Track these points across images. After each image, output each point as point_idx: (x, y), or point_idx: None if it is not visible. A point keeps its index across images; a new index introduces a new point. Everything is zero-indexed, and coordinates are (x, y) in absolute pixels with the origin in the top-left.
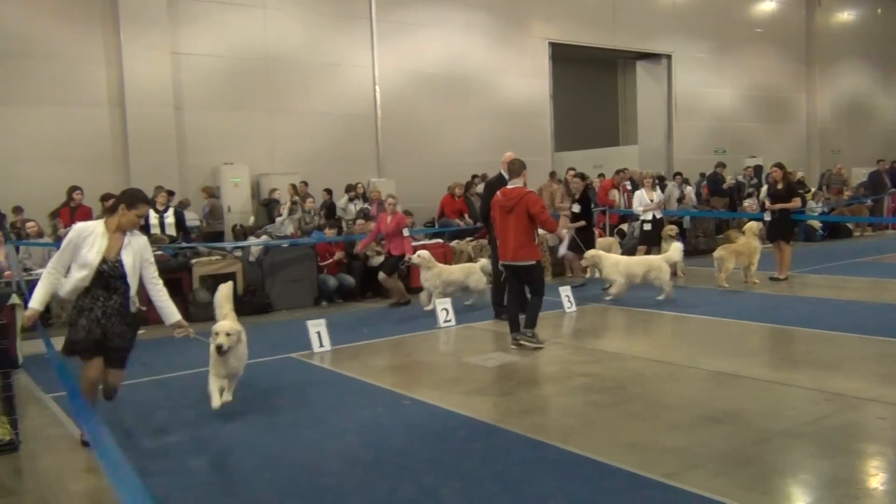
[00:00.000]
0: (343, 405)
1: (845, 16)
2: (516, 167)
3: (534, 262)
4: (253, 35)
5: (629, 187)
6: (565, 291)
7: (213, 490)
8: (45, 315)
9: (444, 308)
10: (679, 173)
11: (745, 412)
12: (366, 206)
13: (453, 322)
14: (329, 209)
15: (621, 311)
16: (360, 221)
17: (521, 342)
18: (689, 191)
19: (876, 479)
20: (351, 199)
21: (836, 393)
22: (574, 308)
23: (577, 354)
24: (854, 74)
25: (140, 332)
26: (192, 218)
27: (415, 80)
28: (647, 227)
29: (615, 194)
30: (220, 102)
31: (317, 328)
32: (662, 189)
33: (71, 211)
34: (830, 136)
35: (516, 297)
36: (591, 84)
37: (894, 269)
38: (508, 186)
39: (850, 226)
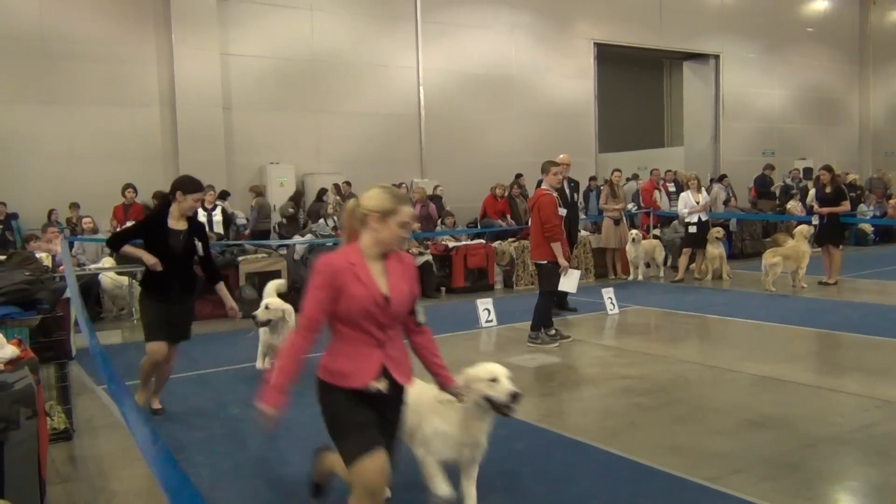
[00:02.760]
0: None
1: None
2: (543, 168)
3: (544, 262)
4: (300, 36)
5: (672, 189)
6: (608, 293)
7: (257, 484)
8: (97, 309)
9: (485, 308)
10: (724, 175)
11: (790, 417)
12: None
13: (495, 322)
14: None
15: (664, 314)
16: None
17: (528, 343)
18: (717, 189)
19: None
20: None
21: (885, 400)
22: (617, 310)
23: (620, 356)
24: None
25: None
26: (239, 216)
27: (459, 81)
28: (693, 229)
29: (658, 195)
30: (267, 103)
31: None
32: (708, 191)
33: (125, 208)
34: (884, 138)
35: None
36: (637, 85)
37: None
38: (539, 187)
39: None
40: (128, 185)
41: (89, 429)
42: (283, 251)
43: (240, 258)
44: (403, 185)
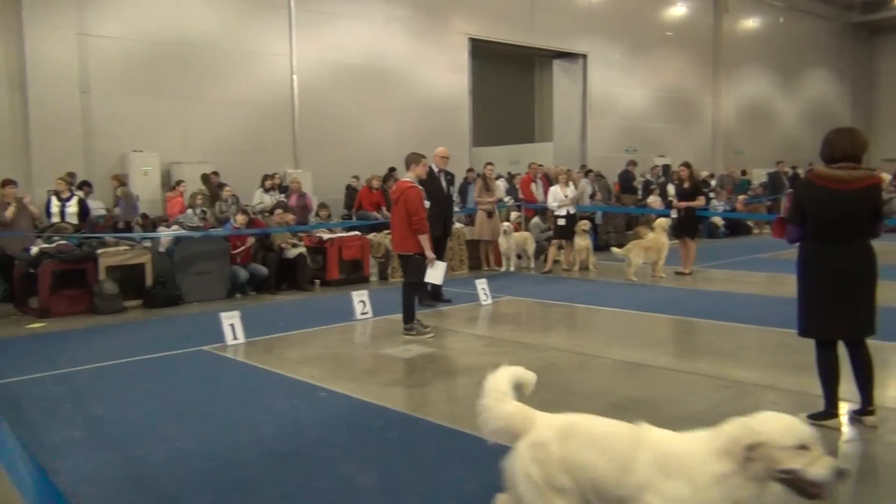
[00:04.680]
0: (257, 398)
1: (750, 23)
2: (408, 160)
3: (412, 254)
4: (166, 19)
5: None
6: (481, 284)
7: (123, 485)
8: None
9: (360, 300)
10: (590, 170)
11: (651, 399)
12: (282, 197)
13: (370, 314)
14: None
15: (536, 304)
16: (278, 212)
17: (403, 334)
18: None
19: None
20: (267, 190)
21: (734, 380)
22: (490, 300)
23: (492, 345)
24: (757, 79)
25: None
26: (97, 207)
27: (334, 71)
28: (562, 222)
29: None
30: (130, 87)
31: (230, 320)
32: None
33: None
34: (734, 137)
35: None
36: (510, 81)
37: (789, 264)
38: (403, 178)
39: (749, 223)
40: None
41: None
42: (148, 243)
43: (99, 251)
44: (276, 176)
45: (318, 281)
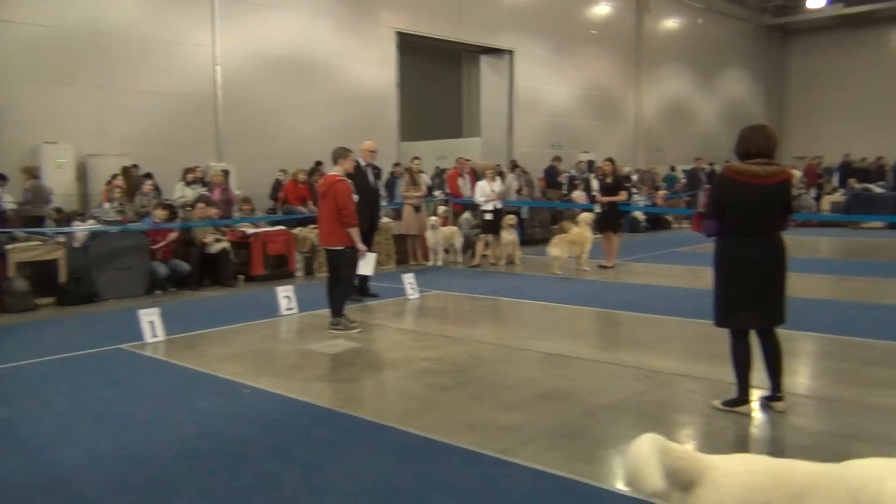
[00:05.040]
0: (178, 396)
1: (670, 23)
2: (336, 154)
3: (342, 248)
4: (79, 5)
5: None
6: (408, 278)
7: (34, 491)
8: None
9: (286, 296)
10: (516, 165)
11: (574, 390)
12: (204, 190)
13: (296, 309)
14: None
15: (462, 298)
16: (200, 205)
17: (329, 329)
18: (511, 178)
19: (686, 446)
20: (188, 184)
21: (653, 370)
22: (417, 295)
23: (419, 340)
24: (677, 78)
25: None
26: (7, 200)
27: (258, 63)
28: (489, 216)
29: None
30: (43, 76)
31: (149, 317)
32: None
33: None
34: (655, 135)
35: (333, 281)
36: (437, 75)
37: (707, 257)
38: (330, 172)
39: (669, 218)
40: None
41: None
42: (62, 239)
43: (8, 246)
44: (199, 169)
45: (241, 276)
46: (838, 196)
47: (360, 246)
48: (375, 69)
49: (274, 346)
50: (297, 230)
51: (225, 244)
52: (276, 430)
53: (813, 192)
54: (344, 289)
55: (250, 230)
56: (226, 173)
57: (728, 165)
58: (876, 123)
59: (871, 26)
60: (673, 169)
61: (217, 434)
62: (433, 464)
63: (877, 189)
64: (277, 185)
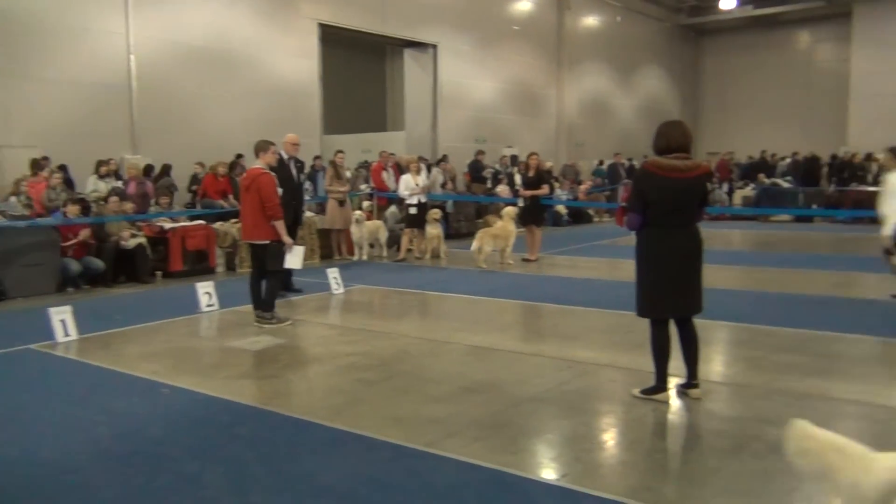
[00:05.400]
0: (93, 397)
1: (590, 21)
2: (258, 147)
3: (268, 242)
4: None
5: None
6: (333, 273)
7: None
8: None
9: (206, 292)
10: (442, 159)
11: (498, 382)
12: (119, 184)
13: (217, 306)
14: (67, 185)
15: (387, 292)
16: (113, 199)
17: (262, 325)
18: (436, 172)
19: (607, 434)
20: (101, 177)
21: (575, 360)
22: (341, 289)
23: (344, 335)
24: (597, 75)
25: None
26: None
27: (175, 52)
28: (413, 210)
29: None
30: None
31: (60, 316)
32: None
33: None
34: (576, 130)
35: (257, 275)
36: (361, 68)
37: (627, 250)
38: (253, 165)
39: (590, 212)
40: None
41: None
42: None
43: None
44: (112, 162)
45: (159, 273)
46: (749, 191)
47: (287, 239)
48: (297, 61)
49: (194, 343)
50: (217, 225)
51: (141, 239)
52: (197, 429)
53: (725, 187)
54: (274, 282)
55: (168, 225)
56: (150, 168)
57: (649, 160)
58: (783, 121)
59: (779, 28)
60: (601, 163)
61: (134, 435)
62: (359, 459)
63: (784, 184)
64: (195, 179)
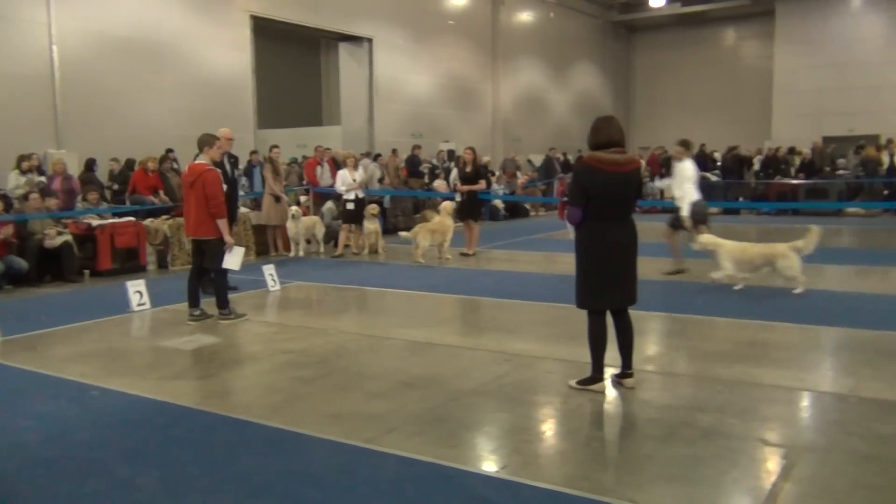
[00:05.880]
0: (17, 401)
1: (524, 16)
2: (202, 141)
3: (213, 238)
4: None
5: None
6: (269, 270)
7: None
8: None
9: (137, 291)
10: (379, 154)
11: (438, 376)
12: (42, 179)
13: (148, 305)
14: None
15: (325, 289)
16: (34, 196)
17: (220, 321)
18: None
19: (545, 425)
20: (24, 173)
21: (513, 353)
22: (278, 286)
23: (281, 332)
24: (532, 70)
25: None
26: None
27: (101, 44)
28: (350, 206)
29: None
30: None
31: None
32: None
33: None
34: (512, 125)
35: (197, 272)
36: (296, 62)
37: (563, 244)
38: (196, 161)
39: (527, 206)
40: None
41: None
42: None
43: None
44: (34, 157)
45: (87, 271)
46: None
47: (229, 239)
48: (229, 53)
49: (125, 343)
50: (148, 221)
51: (67, 237)
52: (129, 432)
53: (657, 181)
54: (222, 279)
55: (96, 222)
56: (92, 163)
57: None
58: (711, 116)
59: (706, 25)
60: (560, 158)
61: (63, 439)
62: (297, 457)
63: (712, 177)
64: (111, 176)
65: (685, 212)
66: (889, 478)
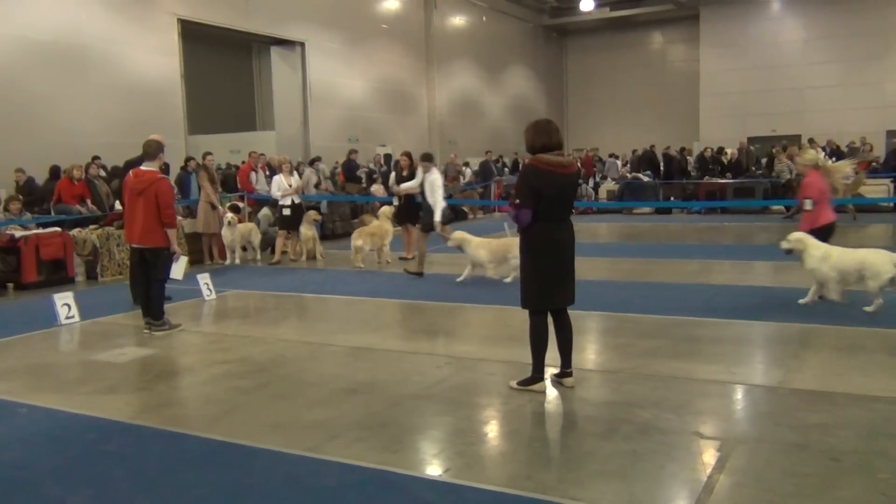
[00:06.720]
0: None
1: (457, 20)
2: (153, 149)
3: (159, 248)
4: None
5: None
6: (204, 279)
7: None
8: None
9: (65, 303)
10: (314, 159)
11: (379, 381)
12: None
13: (77, 318)
14: None
15: (262, 296)
16: None
17: (153, 332)
18: (309, 172)
19: (487, 427)
20: None
21: (454, 357)
22: (214, 295)
23: (218, 342)
24: (466, 74)
25: None
26: None
27: (20, 48)
28: (287, 211)
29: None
30: None
31: None
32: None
33: None
34: (448, 128)
35: (145, 281)
36: (227, 66)
37: None
38: (142, 168)
39: (465, 209)
40: None
41: None
42: None
43: None
44: None
45: (11, 284)
46: (612, 185)
47: (177, 248)
48: (157, 58)
49: (53, 358)
50: (75, 231)
51: None
52: (58, 449)
53: (591, 182)
54: (160, 289)
55: (19, 233)
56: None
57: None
58: (642, 118)
59: (634, 29)
60: (497, 160)
61: None
62: (236, 468)
63: (645, 178)
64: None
65: (438, 216)
66: (817, 465)
